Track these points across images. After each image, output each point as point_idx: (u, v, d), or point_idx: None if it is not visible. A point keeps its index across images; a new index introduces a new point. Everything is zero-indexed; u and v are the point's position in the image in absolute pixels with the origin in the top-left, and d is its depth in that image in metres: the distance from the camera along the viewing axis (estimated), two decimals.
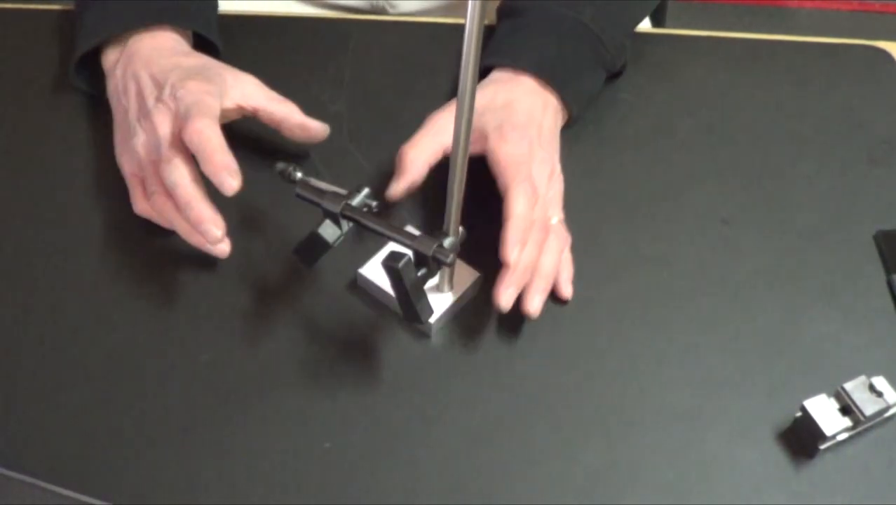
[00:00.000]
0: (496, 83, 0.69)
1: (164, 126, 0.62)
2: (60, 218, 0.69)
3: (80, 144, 0.73)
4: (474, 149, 0.64)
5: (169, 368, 0.60)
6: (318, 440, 0.57)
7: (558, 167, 0.67)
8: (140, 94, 0.66)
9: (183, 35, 0.72)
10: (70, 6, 0.78)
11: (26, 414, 0.58)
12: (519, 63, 0.69)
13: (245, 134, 0.73)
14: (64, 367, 0.60)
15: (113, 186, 0.70)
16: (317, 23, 0.86)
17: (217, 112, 0.62)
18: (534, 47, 0.70)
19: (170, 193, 0.61)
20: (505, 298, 0.58)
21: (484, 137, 0.65)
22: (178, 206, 0.61)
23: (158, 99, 0.63)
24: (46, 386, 0.59)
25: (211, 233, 0.60)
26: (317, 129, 0.69)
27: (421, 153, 0.64)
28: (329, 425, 0.57)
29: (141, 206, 0.65)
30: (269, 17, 0.85)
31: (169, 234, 0.67)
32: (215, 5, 0.77)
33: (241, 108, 0.68)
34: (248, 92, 0.67)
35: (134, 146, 0.64)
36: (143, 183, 0.65)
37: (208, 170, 0.59)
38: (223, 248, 0.62)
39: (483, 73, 0.70)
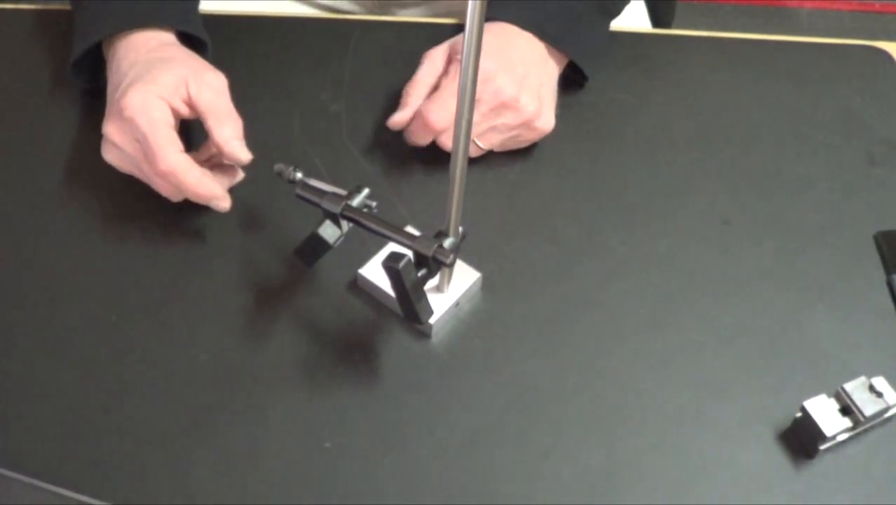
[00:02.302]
0: (489, 25, 0.71)
1: (128, 148, 0.64)
2: (60, 217, 0.69)
3: (80, 143, 0.73)
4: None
5: (169, 368, 0.60)
6: (318, 440, 0.57)
7: (527, 108, 0.68)
8: (108, 98, 0.67)
9: (166, 34, 0.72)
10: (69, 6, 0.78)
11: (26, 414, 0.58)
12: (507, 16, 0.72)
13: (245, 134, 0.73)
14: (64, 367, 0.60)
15: (113, 186, 0.70)
16: (317, 23, 0.86)
17: (169, 123, 0.63)
18: (535, 4, 0.72)
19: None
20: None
21: (454, 56, 0.70)
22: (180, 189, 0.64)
23: (109, 112, 0.65)
24: (46, 386, 0.59)
25: (220, 207, 0.64)
26: (236, 159, 0.65)
27: (420, 86, 0.70)
28: (329, 425, 0.57)
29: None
30: (269, 17, 0.85)
31: (169, 233, 0.67)
32: (195, 4, 0.76)
33: (193, 112, 0.66)
34: (202, 102, 0.64)
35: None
36: None
37: (196, 200, 0.64)
38: (225, 205, 0.65)
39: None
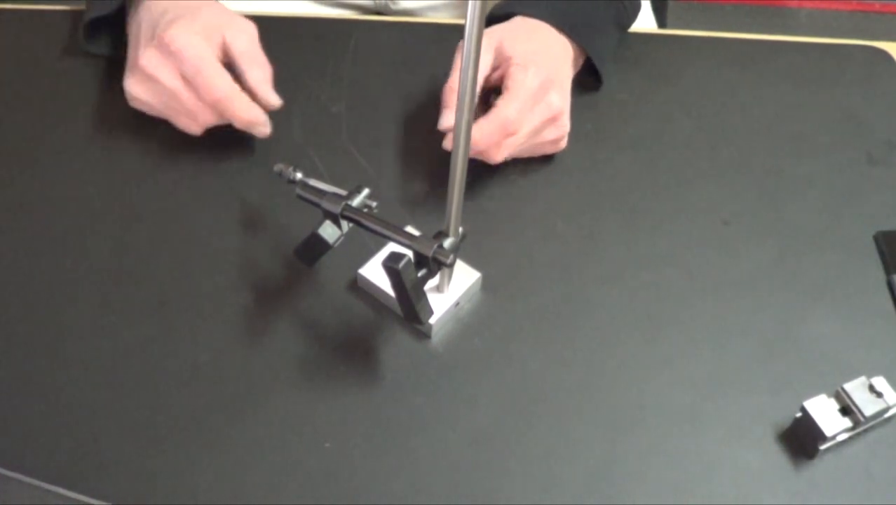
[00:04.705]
0: (522, 22, 0.71)
1: (166, 79, 0.66)
2: (60, 217, 0.69)
3: (81, 144, 0.73)
4: (496, 75, 0.68)
5: (169, 367, 0.60)
6: (318, 440, 0.57)
7: (566, 126, 0.68)
8: (136, 40, 0.70)
9: None
10: (69, 6, 0.78)
11: (26, 414, 0.58)
12: (539, 13, 0.71)
13: (245, 134, 0.73)
14: (64, 367, 0.60)
15: (113, 187, 0.70)
16: (317, 23, 0.86)
17: (217, 56, 0.67)
18: (566, 5, 0.73)
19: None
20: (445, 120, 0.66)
21: (508, 59, 0.67)
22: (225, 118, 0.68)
23: (146, 46, 0.67)
24: (46, 386, 0.59)
25: (261, 132, 0.69)
26: (266, 102, 0.69)
27: None
28: (329, 425, 0.57)
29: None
30: (269, 17, 0.85)
31: (169, 232, 0.67)
32: None
33: (226, 58, 0.69)
34: (237, 47, 0.68)
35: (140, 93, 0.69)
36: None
37: (238, 125, 0.68)
38: (266, 130, 0.69)
39: (501, 19, 0.72)
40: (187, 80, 0.66)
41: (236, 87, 0.66)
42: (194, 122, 0.68)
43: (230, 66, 0.68)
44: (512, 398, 0.59)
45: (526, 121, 0.65)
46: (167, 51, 0.65)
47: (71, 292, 0.64)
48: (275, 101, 0.68)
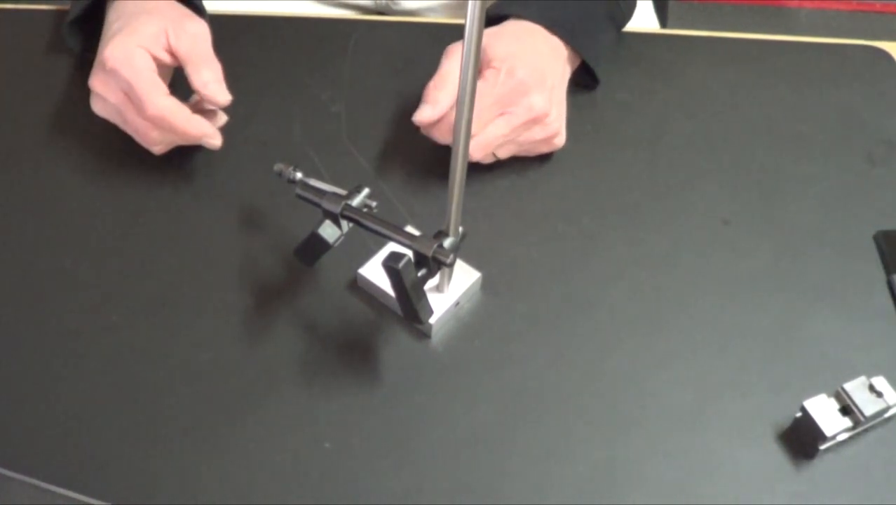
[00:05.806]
0: (512, 24, 0.71)
1: (112, 98, 0.66)
2: (60, 217, 0.69)
3: (81, 145, 0.73)
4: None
5: (169, 367, 0.60)
6: (318, 440, 0.57)
7: (553, 125, 0.68)
8: (99, 48, 0.69)
9: None
10: (67, 6, 0.78)
11: (26, 414, 0.58)
12: (531, 14, 0.71)
13: (245, 134, 0.73)
14: (64, 367, 0.60)
15: (114, 187, 0.70)
16: (317, 23, 0.86)
17: (152, 70, 0.65)
18: (559, 4, 0.72)
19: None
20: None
21: (488, 62, 0.67)
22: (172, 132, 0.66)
23: (94, 67, 0.67)
24: (46, 386, 0.59)
25: (211, 144, 0.66)
26: (213, 102, 0.67)
27: (448, 83, 0.66)
28: (329, 425, 0.57)
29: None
30: (269, 17, 0.85)
31: (169, 233, 0.67)
32: None
33: (175, 60, 0.67)
34: (181, 50, 0.66)
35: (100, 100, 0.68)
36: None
37: (188, 141, 0.67)
38: (216, 143, 0.67)
39: (494, 21, 0.73)
40: (129, 98, 0.65)
41: (174, 101, 0.64)
42: (146, 139, 0.67)
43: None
44: (512, 398, 0.59)
45: (494, 124, 0.66)
46: (105, 69, 0.65)
47: (71, 292, 0.64)
48: (222, 98, 0.66)
